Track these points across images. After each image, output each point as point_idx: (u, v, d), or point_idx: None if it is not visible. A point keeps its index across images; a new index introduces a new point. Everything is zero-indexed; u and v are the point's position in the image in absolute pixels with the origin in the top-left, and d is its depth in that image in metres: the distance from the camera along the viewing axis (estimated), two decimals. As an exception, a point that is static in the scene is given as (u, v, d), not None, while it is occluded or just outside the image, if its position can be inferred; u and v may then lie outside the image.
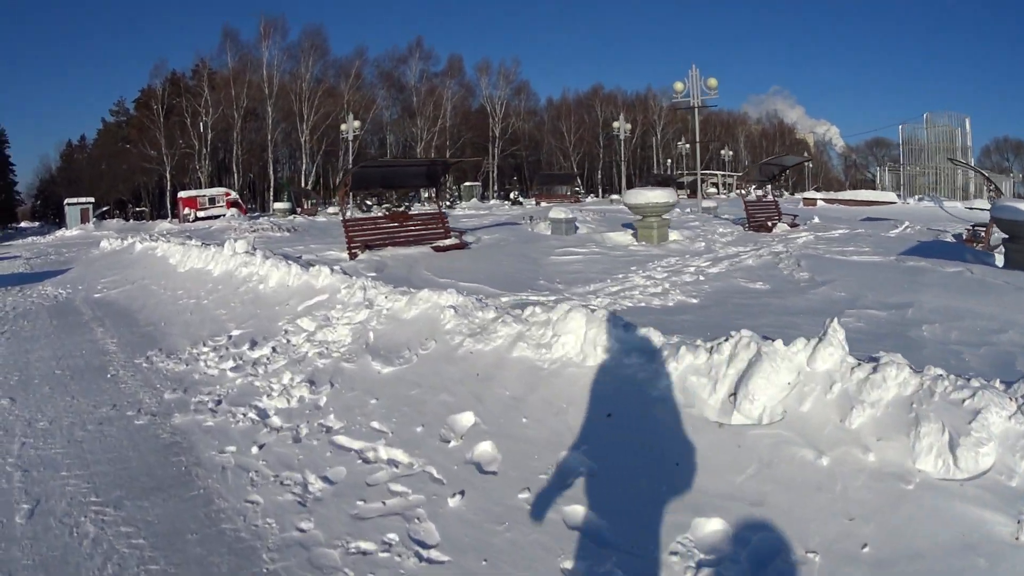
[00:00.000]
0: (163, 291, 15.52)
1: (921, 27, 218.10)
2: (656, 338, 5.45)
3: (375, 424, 5.98)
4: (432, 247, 19.27)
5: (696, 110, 36.02)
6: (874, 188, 59.31)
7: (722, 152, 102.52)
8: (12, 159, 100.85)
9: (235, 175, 71.83)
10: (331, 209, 54.08)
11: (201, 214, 57.93)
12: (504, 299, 10.80)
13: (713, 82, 35.16)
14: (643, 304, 10.90)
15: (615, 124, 68.82)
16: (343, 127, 52.23)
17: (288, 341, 9.60)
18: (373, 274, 13.70)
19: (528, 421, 5.25)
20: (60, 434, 6.92)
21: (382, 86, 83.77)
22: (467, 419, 5.57)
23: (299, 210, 53.91)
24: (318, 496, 4.98)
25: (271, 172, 74.42)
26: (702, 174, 75.55)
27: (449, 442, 5.34)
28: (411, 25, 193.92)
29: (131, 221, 69.03)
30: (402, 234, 20.29)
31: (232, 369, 8.78)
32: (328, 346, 8.85)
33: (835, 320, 4.53)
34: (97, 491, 5.51)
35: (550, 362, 5.84)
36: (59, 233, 58.34)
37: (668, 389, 4.85)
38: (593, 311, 6.16)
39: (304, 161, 73.28)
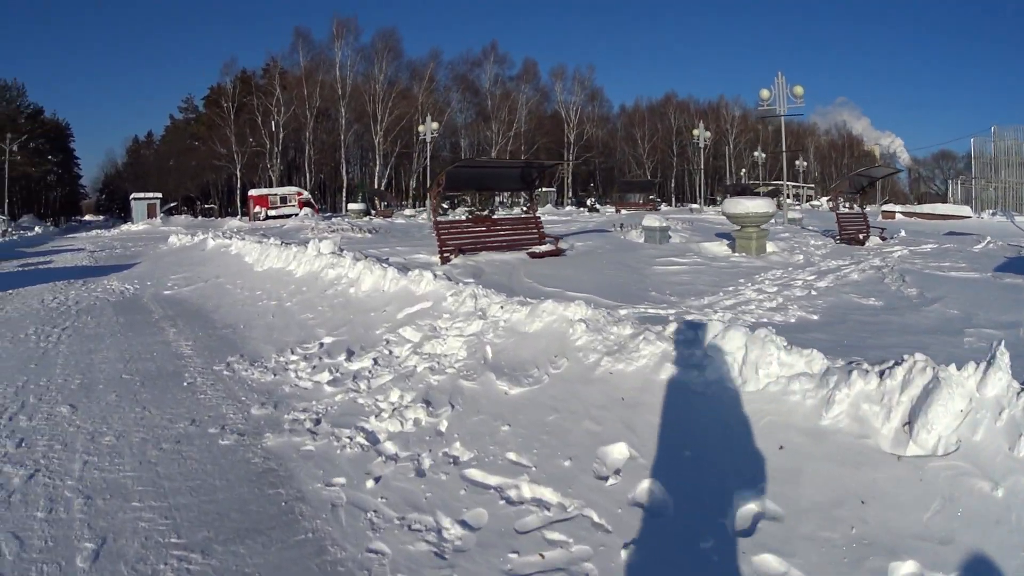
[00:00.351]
0: (240, 291, 14.82)
1: (987, 38, 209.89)
2: (820, 361, 5.14)
3: (512, 455, 5.32)
4: (528, 253, 18.44)
5: (782, 119, 35.62)
6: (944, 202, 58.48)
7: (796, 163, 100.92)
8: (77, 152, 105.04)
9: (306, 175, 72.44)
10: (407, 211, 53.96)
11: (272, 213, 58.56)
12: (623, 311, 9.82)
13: (799, 90, 35.02)
14: (764, 320, 10.29)
15: (695, 132, 68.75)
16: (420, 128, 51.88)
17: (391, 352, 8.68)
18: (471, 280, 12.84)
19: (690, 454, 4.75)
20: (130, 453, 5.99)
21: (456, 89, 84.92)
22: (620, 451, 5.04)
23: (374, 212, 53.93)
24: (458, 546, 4.27)
25: (343, 173, 75.01)
26: (776, 185, 74.96)
27: (606, 479, 4.74)
28: (483, 28, 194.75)
29: (199, 218, 70.14)
30: (496, 238, 19.45)
31: (329, 383, 7.84)
32: (439, 360, 7.91)
33: (1002, 343, 4.30)
34: (178, 530, 4.53)
35: (704, 385, 5.39)
36: (124, 227, 59.44)
37: (840, 418, 4.60)
38: (752, 329, 5.71)
39: (377, 163, 73.80)
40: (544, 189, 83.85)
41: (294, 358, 9.13)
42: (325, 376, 8.13)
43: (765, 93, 35.70)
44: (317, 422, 6.67)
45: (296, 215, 56.80)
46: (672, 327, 6.32)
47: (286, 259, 15.87)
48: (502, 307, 8.80)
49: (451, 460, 5.46)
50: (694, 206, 67.45)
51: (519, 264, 17.09)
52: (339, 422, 6.59)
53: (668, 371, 5.73)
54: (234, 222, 56.25)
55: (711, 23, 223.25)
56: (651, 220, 23.36)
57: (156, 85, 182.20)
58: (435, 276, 11.13)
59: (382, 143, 72.95)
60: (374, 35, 78.57)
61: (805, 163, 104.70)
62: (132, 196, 67.01)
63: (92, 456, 5.96)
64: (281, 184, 69.27)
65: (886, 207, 58.53)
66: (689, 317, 10.01)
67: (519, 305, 8.53)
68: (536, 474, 4.97)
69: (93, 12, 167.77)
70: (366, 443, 6.03)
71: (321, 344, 9.63)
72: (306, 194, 62.38)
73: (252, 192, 62.26)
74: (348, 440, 6.12)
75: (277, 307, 12.44)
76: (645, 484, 4.60)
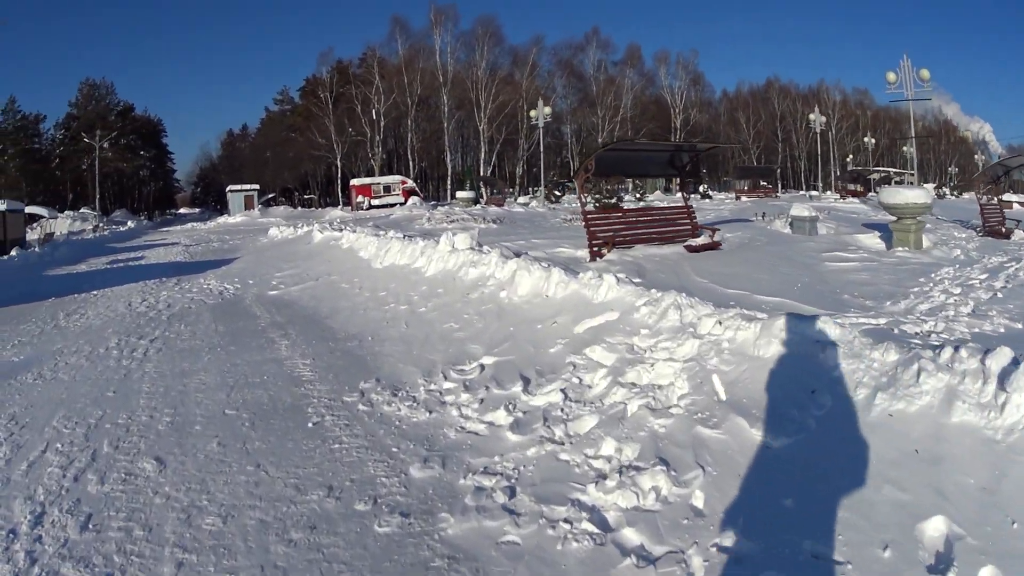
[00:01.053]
0: (358, 292, 13.18)
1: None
2: None
3: (808, 544, 3.95)
4: (685, 246, 16.43)
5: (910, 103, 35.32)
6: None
7: (905, 149, 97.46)
8: (170, 147, 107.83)
9: (409, 163, 71.77)
10: (522, 199, 52.25)
11: (375, 202, 58.04)
12: (839, 322, 7.72)
13: (926, 73, 33.97)
14: (976, 330, 8.82)
15: (811, 116, 67.78)
16: (532, 113, 50.50)
17: (581, 381, 6.83)
18: (639, 280, 10.81)
19: (1019, 527, 3.77)
20: (245, 549, 4.20)
21: (560, 75, 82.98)
22: (937, 527, 3.92)
23: (484, 199, 52.55)
24: None
25: (447, 161, 74.15)
26: (878, 171, 71.01)
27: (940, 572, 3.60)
28: (582, 14, 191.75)
29: (298, 208, 70.36)
30: (648, 230, 17.53)
31: (512, 427, 5.93)
32: (654, 394, 6.08)
33: None
34: None
35: (1004, 432, 4.41)
36: (221, 219, 59.64)
37: None
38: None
39: (482, 150, 72.52)
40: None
41: (449, 385, 7.30)
42: (502, 416, 6.26)
43: (892, 76, 34.12)
44: (511, 492, 4.89)
45: (401, 204, 55.91)
46: (947, 353, 5.14)
47: (411, 255, 14.19)
48: (719, 323, 7.00)
49: (728, 557, 3.96)
50: (814, 192, 63.91)
51: (679, 259, 14.99)
52: (544, 492, 4.84)
53: (960, 412, 4.71)
54: (336, 212, 55.78)
55: (806, 8, 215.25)
56: (800, 210, 21.86)
57: (249, 79, 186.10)
58: (618, 280, 9.18)
59: (486, 130, 71.59)
60: (474, 22, 77.13)
61: (913, 150, 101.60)
62: (229, 188, 67.50)
63: (187, 554, 4.20)
64: (383, 173, 68.58)
65: (1007, 196, 56.70)
66: (906, 327, 8.89)
67: (743, 321, 6.81)
68: (854, 574, 3.67)
69: (183, 11, 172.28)
70: (596, 530, 4.36)
71: (481, 366, 7.76)
72: (410, 182, 61.46)
73: (354, 181, 61.64)
74: (567, 525, 4.42)
75: (409, 313, 10.67)
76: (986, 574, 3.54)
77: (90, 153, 67.60)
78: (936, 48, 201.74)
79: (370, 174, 68.99)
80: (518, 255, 11.81)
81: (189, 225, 57.88)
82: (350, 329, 10.48)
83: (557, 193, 50.69)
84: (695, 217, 18.60)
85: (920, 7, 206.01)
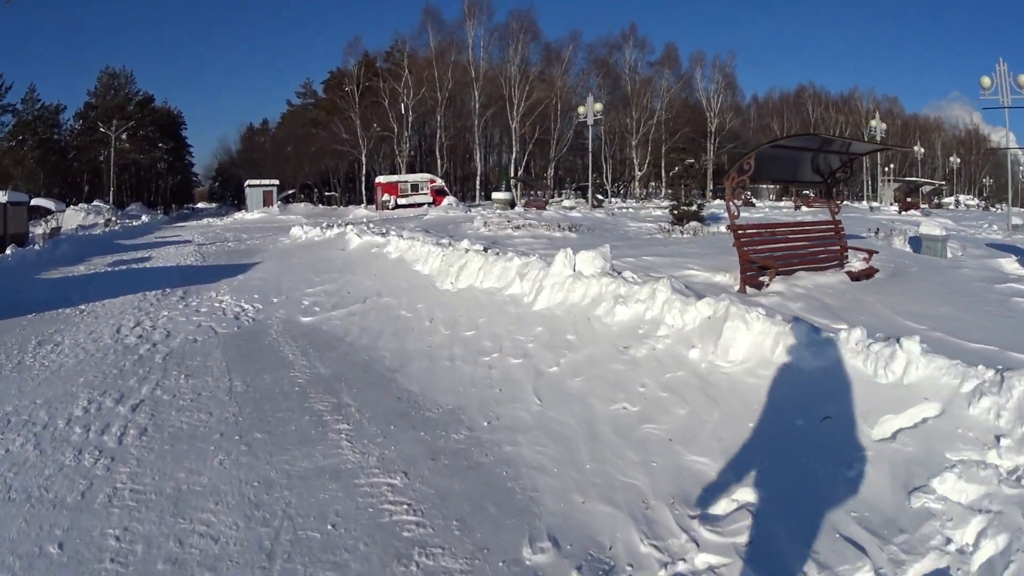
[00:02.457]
0: (429, 325, 9.56)
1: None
2: None
3: None
4: (846, 273, 12.38)
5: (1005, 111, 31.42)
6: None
7: (951, 159, 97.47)
8: (189, 140, 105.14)
9: (438, 161, 67.92)
10: (566, 202, 48.45)
11: (402, 201, 54.37)
12: None
13: None
14: None
15: (872, 123, 62.69)
16: (580, 110, 46.40)
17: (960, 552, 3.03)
18: (843, 327, 6.79)
19: None
20: None
21: (597, 74, 78.97)
22: None
23: (524, 201, 49.01)
24: None
25: (477, 159, 70.42)
26: (928, 183, 67.51)
27: None
28: (615, 10, 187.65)
29: (319, 206, 66.65)
30: (804, 251, 13.38)
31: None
32: None
33: None
34: None
35: None
36: (238, 215, 55.86)
37: None
38: None
39: (514, 149, 68.79)
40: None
41: (710, 560, 3.37)
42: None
43: (986, 82, 30.68)
44: None
45: (430, 204, 52.73)
46: None
47: (502, 276, 10.55)
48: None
49: None
50: (874, 204, 59.48)
51: (850, 291, 10.78)
52: None
53: None
54: (360, 211, 52.35)
55: (836, 16, 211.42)
56: (930, 227, 18.41)
57: (271, 72, 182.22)
58: (922, 350, 5.20)
59: (518, 129, 67.75)
60: (508, 15, 73.16)
61: (957, 160, 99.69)
62: (247, 183, 63.67)
63: None
64: (410, 171, 64.82)
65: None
66: None
67: None
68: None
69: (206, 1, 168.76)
70: None
71: (748, 511, 3.89)
72: (439, 181, 57.63)
73: (380, 179, 57.79)
74: None
75: (533, 374, 7.02)
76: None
77: (107, 144, 63.99)
78: (956, 54, 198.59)
79: (394, 171, 65.46)
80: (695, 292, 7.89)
81: (205, 221, 54.27)
82: (441, 399, 6.66)
83: (600, 197, 46.77)
84: (844, 235, 14.55)
85: (941, 17, 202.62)
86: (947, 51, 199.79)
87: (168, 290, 14.27)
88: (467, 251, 12.32)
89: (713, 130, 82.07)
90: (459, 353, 8.05)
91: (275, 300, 12.55)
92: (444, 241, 14.87)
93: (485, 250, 12.55)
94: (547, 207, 41.56)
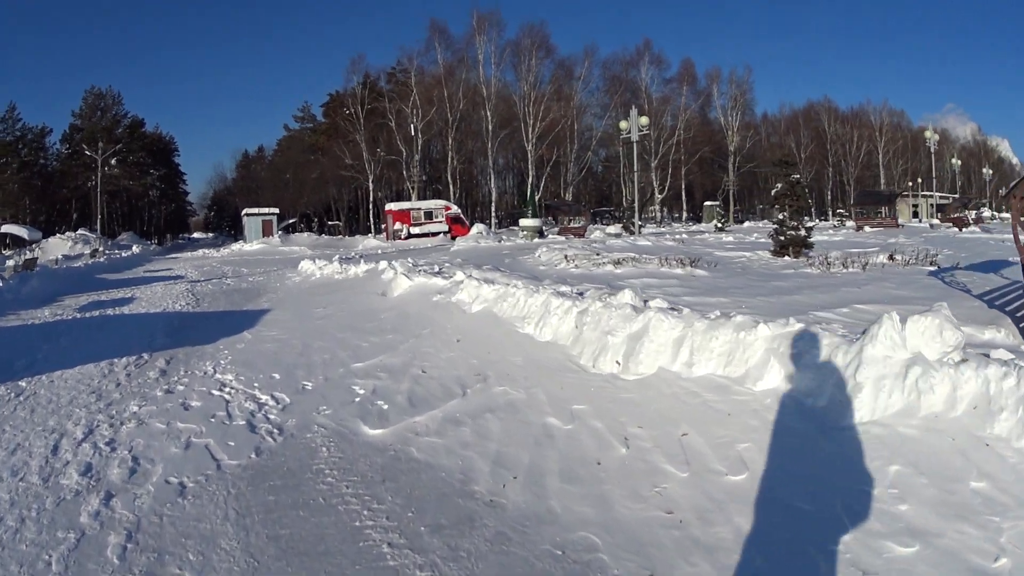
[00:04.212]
0: (636, 456, 5.40)
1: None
2: None
3: None
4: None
5: None
6: None
7: (983, 172, 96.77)
8: (183, 168, 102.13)
9: (449, 187, 63.28)
10: (611, 229, 44.14)
11: (415, 230, 50.64)
12: None
13: None
14: None
15: (927, 134, 63.29)
16: (622, 125, 41.82)
17: None
18: None
19: None
20: None
21: (613, 91, 74.49)
22: None
23: (558, 229, 44.86)
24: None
25: (492, 184, 66.32)
26: (960, 198, 63.93)
27: None
28: (623, 27, 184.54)
29: (323, 236, 62.29)
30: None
31: None
32: None
33: None
34: None
35: None
36: (236, 246, 51.44)
37: None
38: None
39: (530, 172, 64.71)
40: (709, 203, 77.80)
41: None
42: None
43: None
44: None
45: (445, 233, 49.65)
46: None
47: (735, 354, 6.57)
48: None
49: None
50: (935, 222, 54.78)
51: None
52: None
53: None
54: (371, 241, 48.34)
55: (833, 32, 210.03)
56: None
57: (266, 95, 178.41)
58: None
59: (534, 151, 63.38)
60: (520, 30, 68.79)
61: (989, 170, 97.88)
62: (245, 212, 59.26)
63: None
64: (422, 197, 60.40)
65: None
66: None
67: None
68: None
69: (198, 24, 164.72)
70: None
71: None
72: (455, 208, 53.48)
73: (391, 206, 53.60)
74: None
75: None
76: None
77: (94, 169, 59.89)
78: (948, 65, 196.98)
79: (401, 198, 61.05)
80: None
81: (200, 252, 49.81)
82: None
83: (638, 222, 42.15)
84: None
85: (936, 30, 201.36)
86: (942, 64, 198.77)
87: (146, 357, 9.92)
88: (632, 306, 7.73)
89: (732, 149, 78.83)
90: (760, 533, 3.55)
91: (307, 385, 7.99)
92: (567, 289, 10.31)
93: (646, 303, 8.00)
94: (585, 234, 37.25)
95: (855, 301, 10.09)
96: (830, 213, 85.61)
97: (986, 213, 58.13)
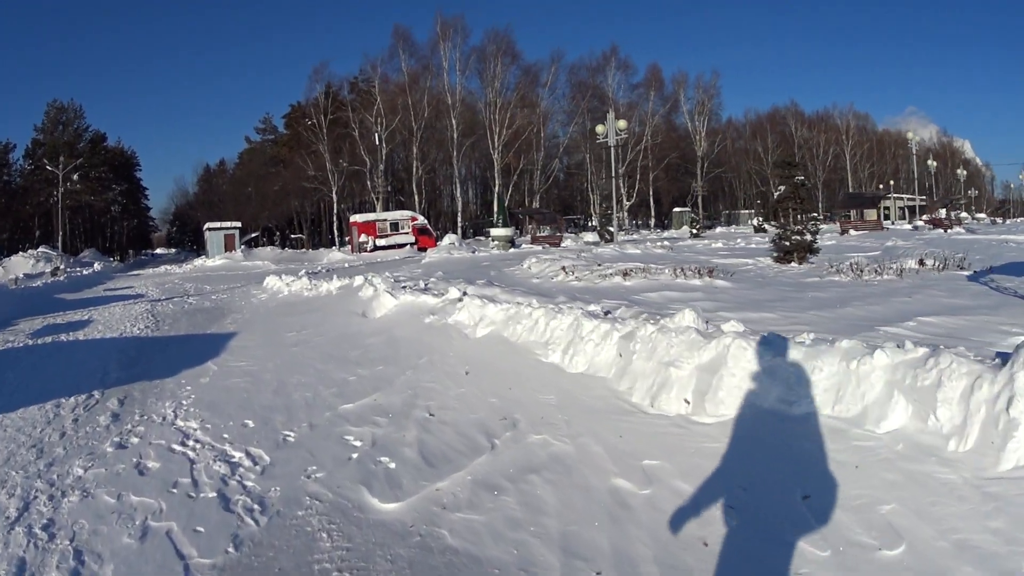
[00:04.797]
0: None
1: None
2: None
3: None
4: None
5: None
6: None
7: (957, 173, 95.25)
8: (145, 183, 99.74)
9: (415, 197, 61.24)
10: (587, 236, 42.92)
11: (381, 242, 48.95)
12: None
13: None
14: None
15: (908, 135, 64.15)
16: (599, 129, 39.76)
17: None
18: None
19: None
20: None
21: (580, 97, 72.33)
22: None
23: (531, 237, 43.47)
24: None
25: (457, 194, 64.35)
26: (943, 199, 63.95)
27: None
28: (590, 33, 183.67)
29: (286, 250, 60.23)
30: None
31: None
32: None
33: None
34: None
35: None
36: (198, 262, 49.37)
37: None
38: None
39: (497, 180, 62.26)
40: (678, 209, 77.01)
41: None
42: None
43: None
44: None
45: (412, 244, 48.40)
46: None
47: (845, 388, 4.99)
48: None
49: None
50: (919, 223, 54.03)
51: None
52: None
53: None
54: (336, 254, 46.79)
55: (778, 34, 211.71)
56: None
57: (228, 108, 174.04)
58: None
59: (500, 158, 61.83)
60: (484, 36, 67.21)
61: (964, 173, 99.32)
62: (206, 226, 57.08)
63: None
64: (387, 208, 58.57)
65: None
66: None
67: None
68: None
69: (159, 35, 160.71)
70: None
71: None
72: (421, 219, 51.85)
73: (355, 217, 51.92)
74: None
75: None
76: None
77: (56, 184, 58.28)
78: (910, 67, 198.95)
79: (364, 209, 59.55)
80: None
81: (162, 268, 47.94)
82: None
83: (612, 229, 40.81)
84: None
85: (896, 36, 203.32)
86: (902, 67, 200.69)
87: (97, 396, 8.39)
88: (697, 331, 6.25)
89: (701, 154, 77.68)
90: None
91: (289, 435, 6.49)
92: (596, 309, 8.72)
93: (707, 324, 6.56)
94: (561, 243, 35.93)
95: (916, 313, 8.80)
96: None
97: (963, 214, 57.90)
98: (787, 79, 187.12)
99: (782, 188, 18.79)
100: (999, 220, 69.35)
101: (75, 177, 63.62)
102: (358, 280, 15.43)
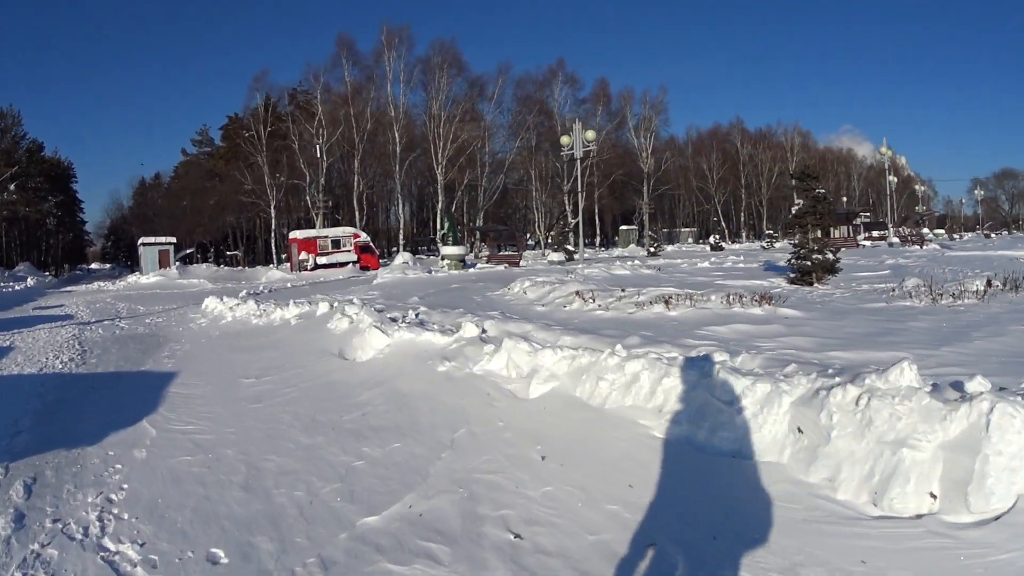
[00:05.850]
0: None
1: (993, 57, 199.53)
2: None
3: None
4: None
5: None
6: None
7: (916, 188, 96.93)
8: (80, 196, 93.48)
9: (356, 213, 57.78)
10: (552, 256, 40.41)
11: (322, 260, 46.20)
12: None
13: None
14: None
15: (882, 149, 62.16)
16: (563, 140, 36.03)
17: None
18: None
19: None
20: None
21: (527, 111, 68.99)
22: None
23: (488, 256, 40.86)
24: None
25: (400, 210, 61.38)
26: (918, 214, 63.85)
27: None
28: (538, 48, 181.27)
29: (222, 267, 56.34)
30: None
31: None
32: None
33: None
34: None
35: None
36: (132, 278, 45.60)
37: None
38: None
39: (440, 196, 59.74)
40: (625, 227, 75.46)
41: None
42: None
43: None
44: None
45: (354, 263, 45.48)
46: None
47: None
48: None
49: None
50: (895, 241, 51.69)
51: None
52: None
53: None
54: (275, 273, 43.93)
55: (712, 50, 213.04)
56: None
57: (164, 119, 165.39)
58: None
59: (445, 173, 58.96)
60: (429, 47, 64.50)
61: (922, 187, 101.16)
62: (141, 241, 52.94)
63: None
64: (325, 224, 55.18)
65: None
66: None
67: None
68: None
69: (94, 41, 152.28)
70: None
71: None
72: (364, 236, 48.87)
73: (295, 234, 48.89)
74: None
75: None
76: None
77: (-9, 194, 53.87)
78: (840, 82, 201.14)
79: (303, 225, 56.58)
80: None
81: (96, 285, 44.17)
82: None
83: (570, 248, 38.60)
84: None
85: (831, 52, 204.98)
86: (838, 85, 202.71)
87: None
88: (931, 395, 3.78)
89: (648, 171, 75.25)
90: None
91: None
92: (721, 358, 5.89)
93: (932, 384, 4.08)
94: (520, 262, 33.60)
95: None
96: (745, 236, 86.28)
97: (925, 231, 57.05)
98: (729, 97, 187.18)
99: (800, 203, 16.60)
100: (956, 237, 69.37)
101: (12, 187, 59.04)
102: (322, 307, 12.59)
